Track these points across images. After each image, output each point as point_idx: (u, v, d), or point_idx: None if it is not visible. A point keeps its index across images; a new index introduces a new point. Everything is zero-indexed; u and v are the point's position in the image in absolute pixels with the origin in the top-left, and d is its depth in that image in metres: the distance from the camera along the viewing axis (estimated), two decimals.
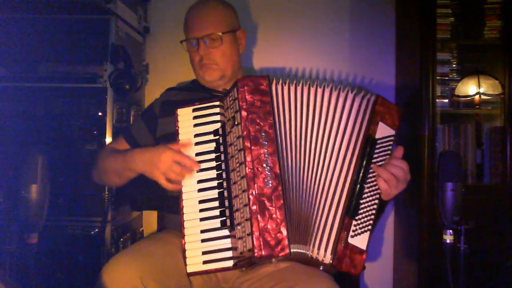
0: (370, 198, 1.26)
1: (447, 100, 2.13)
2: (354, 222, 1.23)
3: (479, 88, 2.09)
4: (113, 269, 1.21)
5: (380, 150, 1.29)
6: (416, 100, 1.99)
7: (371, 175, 1.27)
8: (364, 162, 1.27)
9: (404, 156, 2.13)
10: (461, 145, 2.08)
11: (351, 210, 1.23)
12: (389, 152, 1.30)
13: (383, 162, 1.29)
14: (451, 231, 1.27)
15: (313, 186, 1.26)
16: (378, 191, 1.27)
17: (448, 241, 1.27)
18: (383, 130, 1.30)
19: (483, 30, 2.08)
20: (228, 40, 1.52)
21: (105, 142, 1.84)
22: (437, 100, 1.99)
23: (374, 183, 1.27)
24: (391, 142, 1.31)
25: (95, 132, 1.85)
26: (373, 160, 1.27)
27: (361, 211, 1.24)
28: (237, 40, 1.57)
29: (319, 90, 1.32)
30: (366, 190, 1.26)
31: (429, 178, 1.92)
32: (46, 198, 1.30)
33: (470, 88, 2.11)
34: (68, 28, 1.88)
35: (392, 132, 1.32)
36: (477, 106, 2.10)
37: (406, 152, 2.22)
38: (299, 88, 1.31)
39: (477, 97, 2.09)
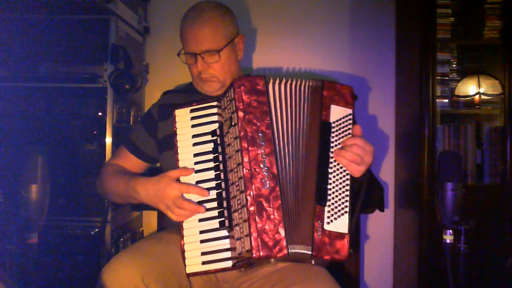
0: (339, 181, 1.24)
1: (447, 100, 2.13)
2: (327, 209, 1.21)
3: (479, 88, 2.09)
4: (114, 269, 1.21)
5: (340, 131, 1.28)
6: (416, 100, 1.99)
7: (333, 159, 1.26)
8: (321, 147, 1.26)
9: (404, 156, 2.13)
10: (461, 145, 2.08)
11: (319, 197, 1.22)
12: (349, 130, 1.29)
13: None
14: (451, 231, 1.26)
15: (306, 184, 1.26)
16: (346, 171, 1.26)
17: (448, 241, 1.27)
18: (338, 112, 1.29)
19: (483, 30, 2.08)
20: (226, 52, 1.48)
21: (105, 142, 1.84)
22: (437, 100, 1.99)
23: (339, 165, 1.26)
24: (350, 121, 1.30)
25: (95, 132, 1.85)
26: (332, 144, 1.26)
27: (331, 196, 1.23)
28: (235, 47, 1.54)
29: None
30: (333, 175, 1.24)
31: (429, 178, 1.92)
32: (46, 198, 1.31)
33: (470, 88, 2.11)
34: (68, 28, 1.88)
35: (349, 111, 1.30)
36: (477, 106, 2.10)
37: (406, 152, 2.23)
38: (294, 87, 1.31)
39: (477, 97, 2.10)
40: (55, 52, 1.88)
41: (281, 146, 1.25)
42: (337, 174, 1.25)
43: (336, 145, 1.27)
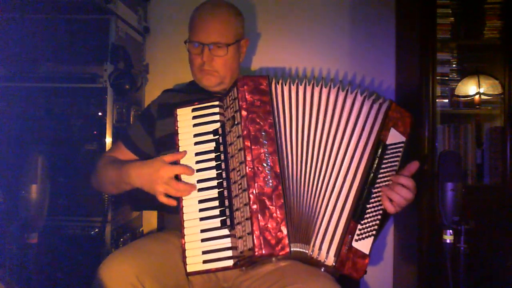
0: (377, 204, 1.26)
1: (447, 100, 2.13)
2: (359, 226, 1.23)
3: (479, 88, 2.09)
4: (109, 266, 1.22)
5: (390, 156, 1.29)
6: (416, 100, 1.99)
7: (379, 180, 1.27)
8: (374, 167, 1.26)
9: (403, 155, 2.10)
10: (461, 145, 2.08)
11: (357, 214, 1.23)
12: (398, 158, 1.30)
13: (391, 168, 1.29)
14: (451, 231, 1.26)
15: (315, 186, 1.26)
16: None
17: (448, 241, 1.26)
18: (394, 136, 1.30)
19: (483, 30, 2.08)
20: (232, 50, 1.50)
21: (105, 142, 1.84)
22: (437, 100, 1.99)
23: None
24: (401, 149, 1.31)
25: (95, 132, 1.85)
26: (382, 166, 1.28)
27: (367, 215, 1.24)
28: (240, 49, 1.56)
29: (324, 90, 1.31)
30: (374, 195, 1.26)
31: (429, 178, 1.92)
32: (46, 198, 1.30)
33: (470, 88, 2.11)
34: (68, 28, 1.88)
35: (403, 139, 1.31)
36: (477, 106, 2.10)
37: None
38: (300, 88, 1.31)
39: (477, 97, 2.10)
40: (55, 52, 1.87)
41: (287, 146, 1.25)
42: (378, 197, 1.27)
43: (383, 168, 1.27)
